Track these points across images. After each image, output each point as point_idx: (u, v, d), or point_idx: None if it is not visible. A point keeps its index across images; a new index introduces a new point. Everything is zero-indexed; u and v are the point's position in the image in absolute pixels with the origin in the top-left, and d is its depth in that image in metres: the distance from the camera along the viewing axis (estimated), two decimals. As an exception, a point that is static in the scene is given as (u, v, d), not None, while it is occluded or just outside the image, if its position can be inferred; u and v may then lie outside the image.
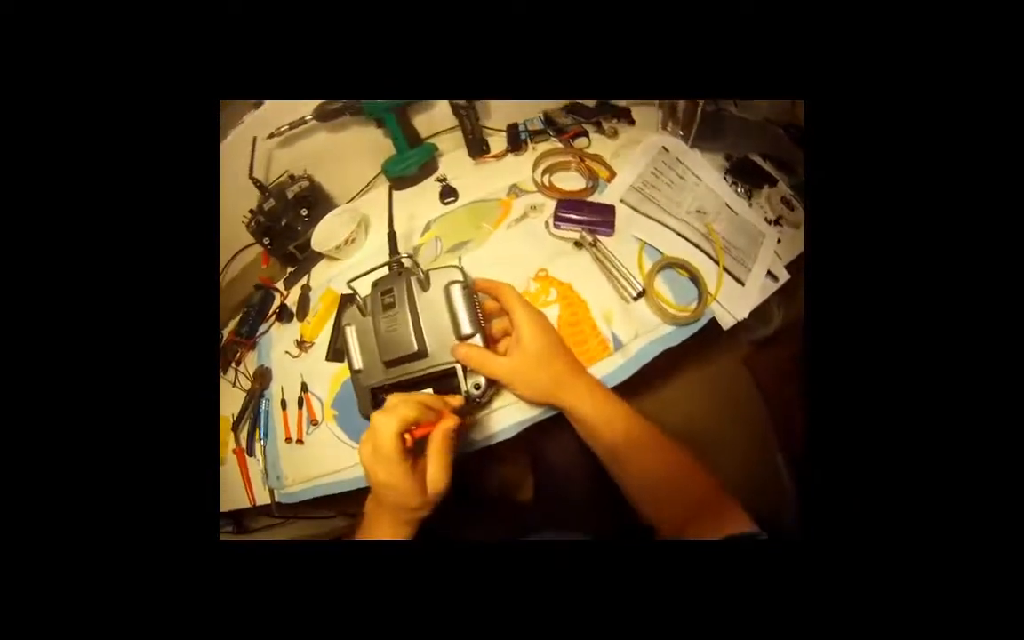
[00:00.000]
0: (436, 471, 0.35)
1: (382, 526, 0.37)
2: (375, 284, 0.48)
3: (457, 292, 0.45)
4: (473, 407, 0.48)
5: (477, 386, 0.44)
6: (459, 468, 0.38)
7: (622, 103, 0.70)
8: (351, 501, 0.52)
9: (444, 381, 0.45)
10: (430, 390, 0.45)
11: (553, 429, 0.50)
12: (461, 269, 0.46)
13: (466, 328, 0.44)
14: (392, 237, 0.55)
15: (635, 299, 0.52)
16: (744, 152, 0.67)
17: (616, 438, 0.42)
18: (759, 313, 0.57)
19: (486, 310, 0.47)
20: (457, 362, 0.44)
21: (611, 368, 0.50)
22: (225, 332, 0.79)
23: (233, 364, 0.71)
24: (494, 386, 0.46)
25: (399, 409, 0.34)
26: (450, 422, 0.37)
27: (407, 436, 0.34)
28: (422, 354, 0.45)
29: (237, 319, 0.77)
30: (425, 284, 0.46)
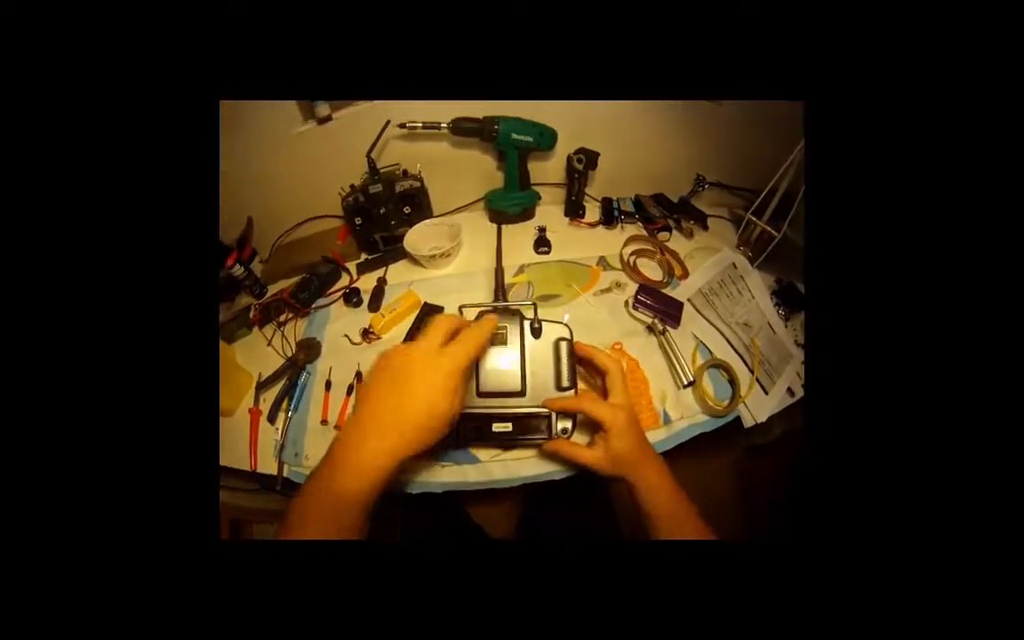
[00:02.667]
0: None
1: (384, 439, 0.36)
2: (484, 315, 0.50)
3: (564, 349, 0.52)
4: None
5: (564, 430, 0.53)
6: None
7: (701, 208, 0.81)
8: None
9: (533, 420, 0.52)
10: (509, 425, 0.52)
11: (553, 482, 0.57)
12: (569, 327, 0.53)
13: (566, 382, 0.52)
14: (500, 273, 0.64)
15: (685, 387, 0.65)
16: (792, 278, 0.79)
17: (663, 513, 0.48)
18: (764, 424, 0.68)
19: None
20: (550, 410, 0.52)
21: (656, 438, 0.62)
22: (273, 287, 0.79)
23: (276, 323, 0.71)
24: (575, 430, 0.54)
25: (485, 337, 0.42)
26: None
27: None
28: (521, 394, 0.52)
29: (295, 281, 0.77)
30: (537, 333, 0.53)
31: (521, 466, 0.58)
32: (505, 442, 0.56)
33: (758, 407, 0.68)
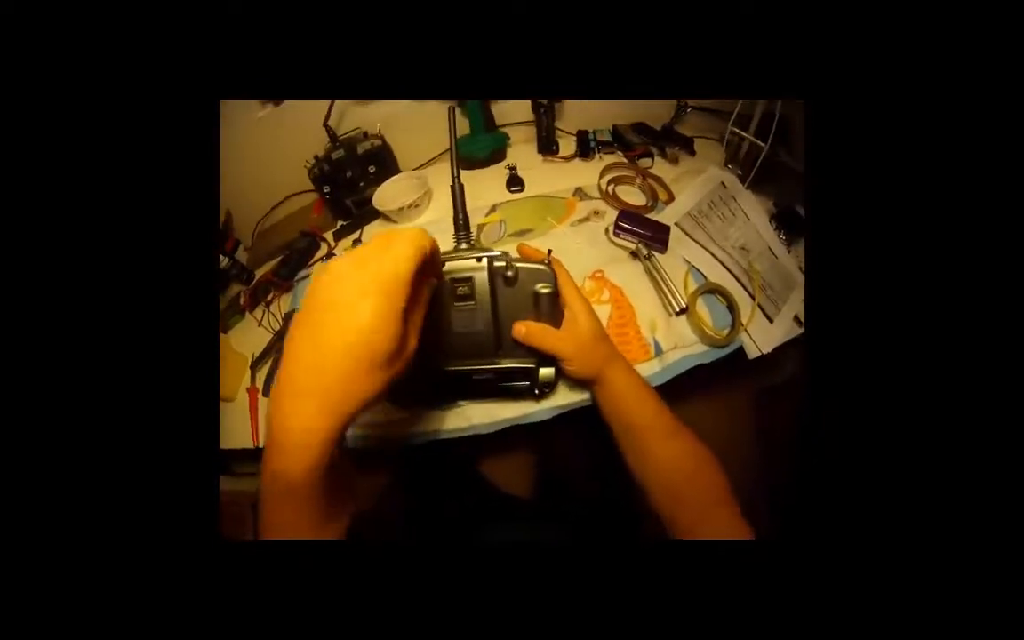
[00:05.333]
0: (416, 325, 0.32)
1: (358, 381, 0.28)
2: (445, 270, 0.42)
3: (546, 299, 0.43)
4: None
5: (547, 383, 0.47)
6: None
7: (687, 133, 0.75)
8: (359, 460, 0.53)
9: (510, 377, 0.47)
10: (491, 374, 0.46)
11: (563, 430, 0.54)
12: (552, 270, 0.44)
13: None
14: (464, 221, 0.45)
15: (678, 314, 0.57)
16: (791, 202, 0.72)
17: (647, 419, 0.44)
18: (775, 359, 0.61)
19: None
20: (527, 354, 0.45)
21: (649, 372, 0.55)
22: (259, 272, 0.80)
23: (264, 303, 0.72)
24: (558, 380, 0.49)
25: (423, 241, 0.30)
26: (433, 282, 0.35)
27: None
28: (498, 349, 0.45)
29: (276, 261, 0.78)
30: (512, 280, 0.43)
31: (503, 408, 0.53)
32: (489, 391, 0.51)
33: (763, 337, 0.60)
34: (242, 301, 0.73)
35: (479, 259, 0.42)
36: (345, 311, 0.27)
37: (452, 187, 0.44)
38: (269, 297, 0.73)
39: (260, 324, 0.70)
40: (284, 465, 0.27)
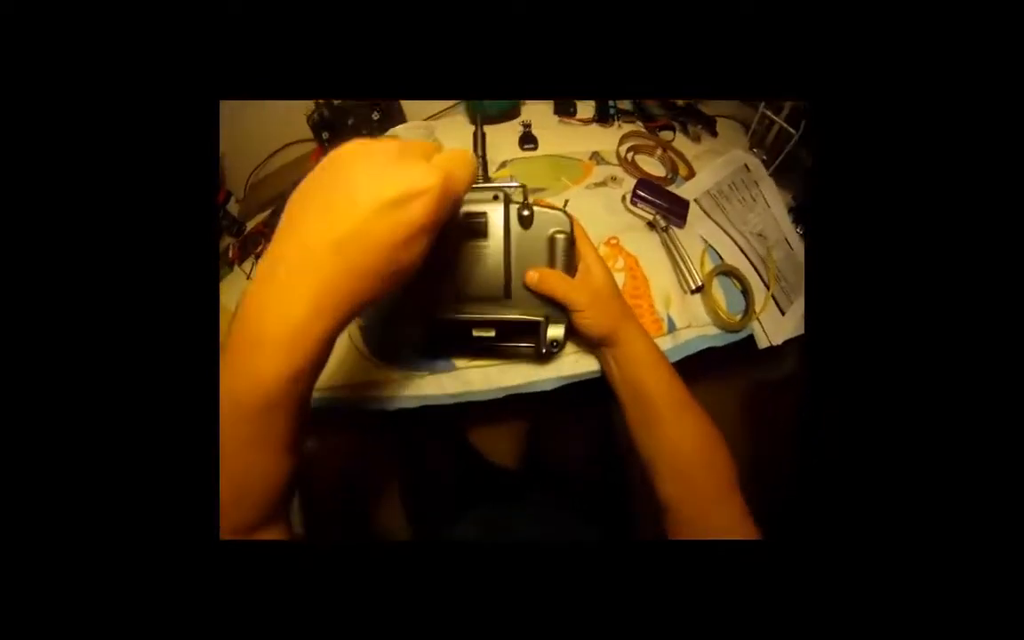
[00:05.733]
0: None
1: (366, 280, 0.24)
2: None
3: (562, 246, 0.41)
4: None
5: (556, 343, 0.43)
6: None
7: (709, 112, 0.72)
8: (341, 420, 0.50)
9: (518, 332, 0.44)
10: (492, 331, 0.43)
11: (559, 399, 0.51)
12: (569, 216, 0.42)
13: None
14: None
15: (693, 293, 0.55)
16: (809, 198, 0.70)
17: (660, 389, 0.41)
18: (785, 352, 0.59)
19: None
20: (536, 307, 0.42)
21: (661, 347, 0.51)
22: (250, 224, 0.76)
23: (253, 256, 0.69)
24: (567, 341, 0.45)
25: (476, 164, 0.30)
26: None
27: None
28: (506, 297, 0.42)
29: (268, 212, 0.74)
30: (528, 222, 0.41)
31: (504, 374, 0.49)
32: (487, 351, 0.47)
33: (774, 328, 0.58)
34: (231, 254, 0.69)
35: (496, 196, 0.40)
36: (390, 202, 0.22)
37: (475, 134, 0.47)
38: (259, 249, 0.69)
39: (248, 277, 0.67)
40: (267, 368, 0.22)
